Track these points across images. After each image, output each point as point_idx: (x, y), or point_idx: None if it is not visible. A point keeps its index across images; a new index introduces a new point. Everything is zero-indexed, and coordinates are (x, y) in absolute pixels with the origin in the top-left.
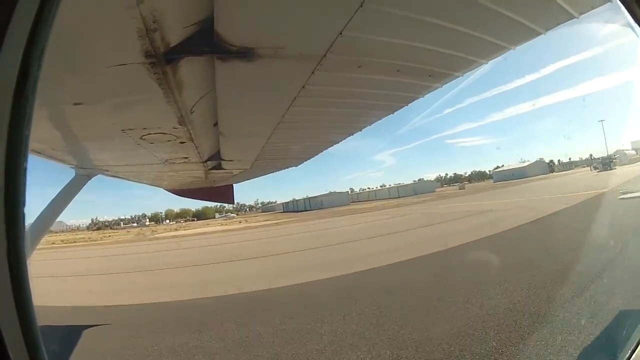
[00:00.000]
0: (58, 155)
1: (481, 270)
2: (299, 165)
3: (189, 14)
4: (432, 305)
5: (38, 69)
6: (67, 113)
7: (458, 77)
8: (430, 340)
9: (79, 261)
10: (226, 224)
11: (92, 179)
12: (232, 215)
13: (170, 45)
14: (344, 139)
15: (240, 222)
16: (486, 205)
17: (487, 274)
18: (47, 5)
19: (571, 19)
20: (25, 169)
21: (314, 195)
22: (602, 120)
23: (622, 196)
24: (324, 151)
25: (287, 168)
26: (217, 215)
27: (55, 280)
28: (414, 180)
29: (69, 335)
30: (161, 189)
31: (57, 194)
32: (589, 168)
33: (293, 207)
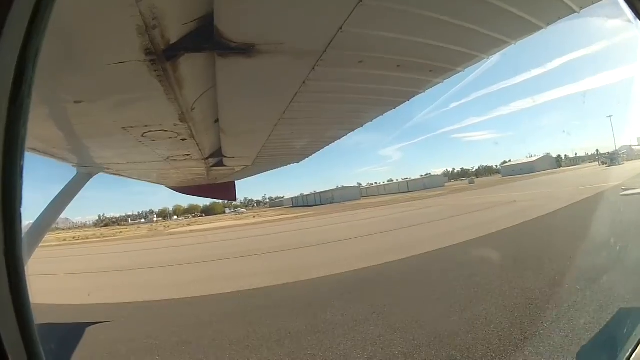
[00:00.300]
0: (59, 154)
1: (555, 240)
2: (301, 162)
3: (189, 11)
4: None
5: (33, 70)
6: (68, 111)
7: (459, 72)
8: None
9: (127, 255)
10: (240, 219)
11: (94, 177)
12: (243, 210)
13: (171, 42)
14: (346, 134)
15: (254, 217)
16: (507, 197)
17: (560, 243)
18: (43, 6)
19: (572, 14)
20: (21, 169)
21: (324, 190)
22: (610, 116)
23: (623, 192)
24: (326, 147)
25: (289, 164)
26: (227, 210)
27: (153, 273)
28: (422, 175)
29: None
30: (163, 187)
31: (59, 192)
32: (596, 163)
33: (303, 202)
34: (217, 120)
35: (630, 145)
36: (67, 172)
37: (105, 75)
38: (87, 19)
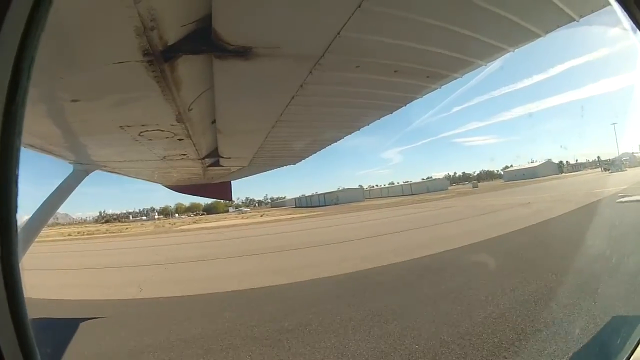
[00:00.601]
0: (56, 151)
1: (581, 234)
2: (298, 163)
3: (187, 13)
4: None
5: (30, 69)
6: (65, 109)
7: (457, 78)
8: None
9: (159, 249)
10: (246, 218)
11: (91, 174)
12: (246, 209)
13: (168, 44)
14: (342, 137)
15: (261, 216)
16: (518, 199)
17: (587, 236)
18: (41, 6)
19: (571, 22)
20: (17, 165)
21: (327, 191)
22: (614, 123)
23: (620, 199)
24: (324, 149)
25: (286, 166)
26: (230, 209)
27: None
28: (423, 179)
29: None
30: (161, 185)
31: (55, 188)
32: (599, 169)
33: (306, 203)
34: (214, 121)
35: (633, 153)
36: (63, 169)
37: (102, 75)
38: (86, 19)
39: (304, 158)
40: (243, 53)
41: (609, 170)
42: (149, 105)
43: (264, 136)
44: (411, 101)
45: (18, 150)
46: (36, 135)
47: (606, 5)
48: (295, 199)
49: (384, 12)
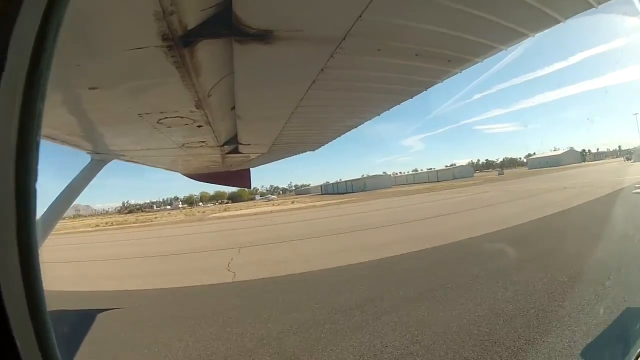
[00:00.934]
0: (73, 141)
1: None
2: (315, 151)
3: None
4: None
5: (48, 69)
6: (83, 98)
7: (477, 62)
8: None
9: (222, 234)
10: (276, 205)
11: (108, 164)
12: (273, 197)
13: (188, 28)
14: (362, 123)
15: (292, 203)
16: (552, 185)
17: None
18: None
19: (590, 8)
20: (36, 160)
21: (355, 178)
22: (636, 114)
23: (636, 191)
24: (343, 135)
25: (304, 152)
26: (257, 197)
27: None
28: (446, 166)
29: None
30: (179, 174)
31: (72, 179)
32: (621, 159)
33: (333, 190)
34: (233, 107)
35: None
36: (81, 159)
37: (121, 61)
38: (103, 3)
39: (323, 144)
40: (264, 37)
41: (630, 159)
42: (168, 92)
43: (283, 122)
44: (432, 86)
45: (37, 142)
46: (53, 126)
47: None
48: (321, 186)
49: None
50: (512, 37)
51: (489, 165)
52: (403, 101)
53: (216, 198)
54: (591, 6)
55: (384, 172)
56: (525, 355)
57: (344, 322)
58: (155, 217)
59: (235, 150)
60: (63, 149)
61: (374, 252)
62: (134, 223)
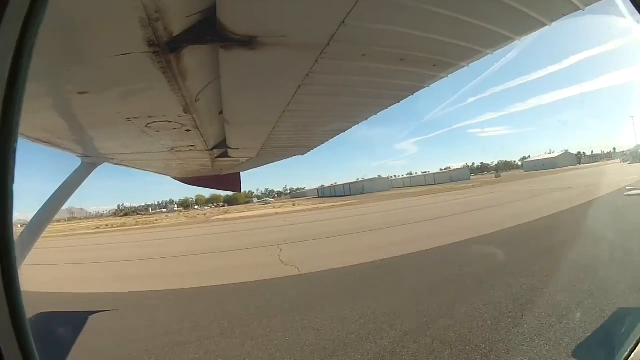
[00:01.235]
0: (63, 144)
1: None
2: (306, 155)
3: (192, 3)
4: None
5: (29, 60)
6: (72, 102)
7: (463, 67)
8: None
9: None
10: (279, 207)
11: (99, 167)
12: (271, 200)
13: (173, 35)
14: (350, 127)
15: (294, 205)
16: (554, 186)
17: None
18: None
19: (576, 11)
20: (13, 162)
21: (352, 181)
22: (633, 117)
23: (628, 193)
24: (334, 139)
25: (294, 156)
26: (254, 200)
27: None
28: (442, 169)
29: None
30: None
31: (62, 182)
32: (616, 161)
33: (330, 193)
34: (221, 112)
35: None
36: (71, 162)
37: (109, 66)
38: (90, 10)
39: (312, 148)
40: (248, 43)
41: (627, 161)
42: (156, 97)
43: (271, 126)
44: (419, 90)
45: (15, 145)
46: (43, 129)
47: None
48: (317, 189)
49: (388, 0)
50: (497, 40)
51: (484, 168)
52: (390, 105)
53: (212, 201)
54: (578, 8)
55: (379, 175)
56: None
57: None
58: (156, 220)
59: (225, 154)
60: (54, 152)
61: (440, 239)
62: (135, 225)
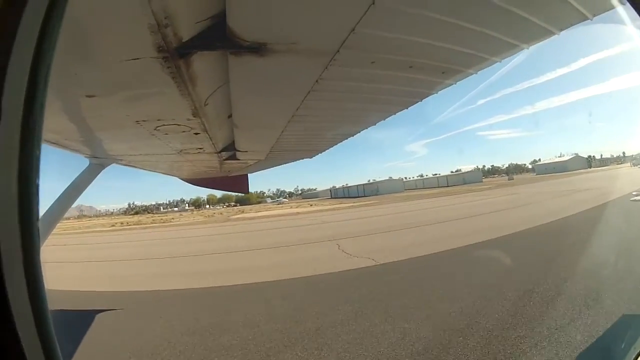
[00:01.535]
0: (72, 146)
1: None
2: (314, 157)
3: (201, 10)
4: None
5: (49, 67)
6: (81, 105)
7: (471, 74)
8: None
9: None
10: (297, 207)
11: (107, 168)
12: (285, 200)
13: (183, 40)
14: (358, 132)
15: (311, 205)
16: (571, 187)
17: None
18: (57, 5)
19: (585, 20)
20: (38, 163)
21: (367, 182)
22: None
23: (634, 198)
24: (339, 143)
25: (302, 159)
26: (268, 200)
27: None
28: (452, 171)
29: None
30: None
31: (71, 182)
32: (627, 164)
33: (343, 194)
34: (230, 116)
35: None
36: (79, 163)
37: (118, 71)
38: (100, 16)
39: (320, 152)
40: (258, 49)
41: (638, 165)
42: (165, 101)
43: (280, 131)
44: (427, 97)
45: (39, 144)
46: (52, 131)
47: (619, 5)
48: (330, 190)
49: (397, 8)
50: (506, 49)
51: (494, 171)
52: (399, 111)
53: (223, 201)
54: (586, 18)
55: (390, 177)
56: None
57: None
58: (172, 218)
59: (233, 157)
60: (62, 152)
61: (497, 231)
62: (152, 224)
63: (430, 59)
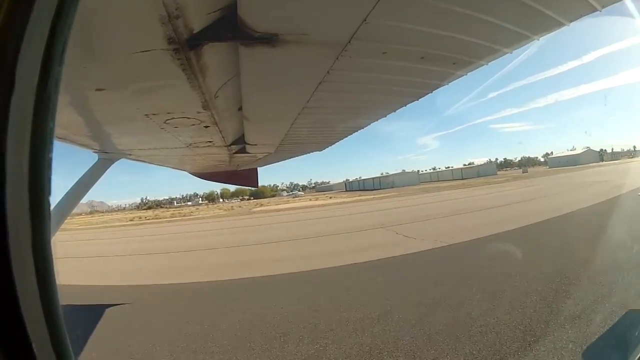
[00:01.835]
0: (80, 141)
1: None
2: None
3: (212, 0)
4: None
5: (61, 63)
6: (90, 99)
7: (482, 65)
8: None
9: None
10: (315, 200)
11: (115, 163)
12: (301, 193)
13: (194, 32)
14: (369, 124)
15: (330, 198)
16: (589, 179)
17: None
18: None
19: (594, 11)
20: (50, 159)
21: (384, 174)
22: None
23: None
24: (349, 136)
25: (311, 152)
26: (284, 193)
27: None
28: (464, 164)
29: None
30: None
31: (79, 178)
32: (638, 158)
33: (358, 186)
34: (240, 108)
35: None
36: (88, 158)
37: (128, 63)
38: (110, 8)
39: (330, 144)
40: (269, 40)
41: None
42: (175, 93)
43: (290, 123)
44: (437, 88)
45: (51, 135)
46: (61, 126)
47: None
48: (345, 183)
49: None
50: (517, 40)
51: (506, 164)
52: (409, 103)
53: (237, 194)
54: (595, 9)
55: (403, 170)
56: None
57: None
58: (191, 212)
59: (243, 150)
60: (70, 148)
61: (553, 212)
62: (172, 217)
63: (441, 49)
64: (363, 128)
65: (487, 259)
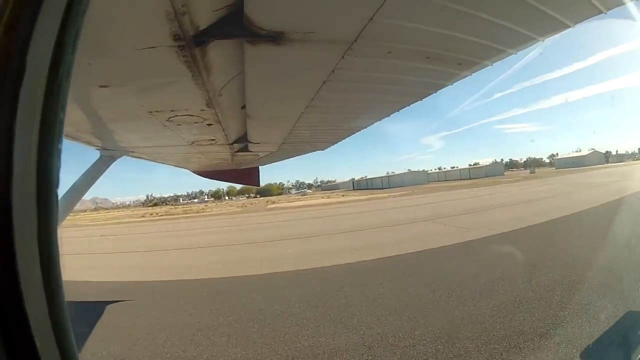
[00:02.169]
0: (83, 137)
1: None
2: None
3: None
4: None
5: (73, 52)
6: (93, 95)
7: (487, 65)
8: None
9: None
10: (328, 197)
11: (117, 160)
12: (309, 191)
13: (200, 29)
14: (372, 124)
15: (342, 196)
16: (598, 180)
17: None
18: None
19: (599, 14)
20: (59, 152)
21: (393, 174)
22: None
23: None
24: (352, 135)
25: (314, 151)
26: (293, 191)
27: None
28: (470, 165)
29: None
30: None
31: (81, 174)
32: None
33: (366, 185)
34: (244, 106)
35: None
36: (90, 155)
37: (132, 60)
38: (116, 4)
39: (333, 144)
40: (275, 38)
41: None
42: (179, 91)
43: (293, 121)
44: (442, 88)
45: (61, 125)
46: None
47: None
48: (352, 181)
49: None
50: (521, 41)
51: (512, 164)
52: (413, 103)
53: (244, 192)
54: (600, 12)
55: (408, 169)
56: None
57: None
58: (203, 209)
59: (245, 149)
60: (71, 144)
61: (582, 205)
62: (184, 214)
63: (446, 49)
64: (366, 127)
65: (563, 236)
